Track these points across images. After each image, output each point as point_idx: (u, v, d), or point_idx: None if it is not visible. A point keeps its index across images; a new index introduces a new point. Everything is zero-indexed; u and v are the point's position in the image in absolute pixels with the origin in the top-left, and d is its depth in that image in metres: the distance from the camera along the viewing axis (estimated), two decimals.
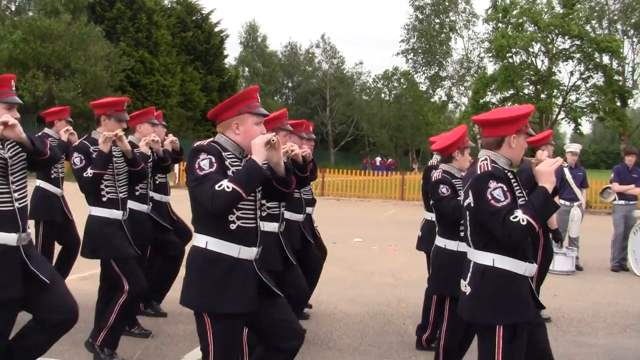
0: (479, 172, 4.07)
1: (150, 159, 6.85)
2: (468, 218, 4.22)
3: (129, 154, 5.94)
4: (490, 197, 3.94)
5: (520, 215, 3.86)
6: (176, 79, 47.42)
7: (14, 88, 4.59)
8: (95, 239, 5.87)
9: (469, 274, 4.17)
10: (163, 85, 45.31)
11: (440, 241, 5.75)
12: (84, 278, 8.88)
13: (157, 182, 7.32)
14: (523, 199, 4.12)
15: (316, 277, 7.39)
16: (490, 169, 4.05)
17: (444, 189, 5.60)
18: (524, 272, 4.08)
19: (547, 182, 4.00)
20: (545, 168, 4.04)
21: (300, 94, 75.18)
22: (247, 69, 75.45)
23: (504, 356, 4.00)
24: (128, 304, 5.88)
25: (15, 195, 4.41)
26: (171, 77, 46.74)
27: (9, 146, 4.43)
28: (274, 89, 75.43)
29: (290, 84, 78.95)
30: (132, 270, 5.92)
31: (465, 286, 4.20)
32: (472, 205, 4.10)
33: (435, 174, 5.77)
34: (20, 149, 4.46)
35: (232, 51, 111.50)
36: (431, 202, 5.85)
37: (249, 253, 4.08)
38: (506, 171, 4.13)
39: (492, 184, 3.97)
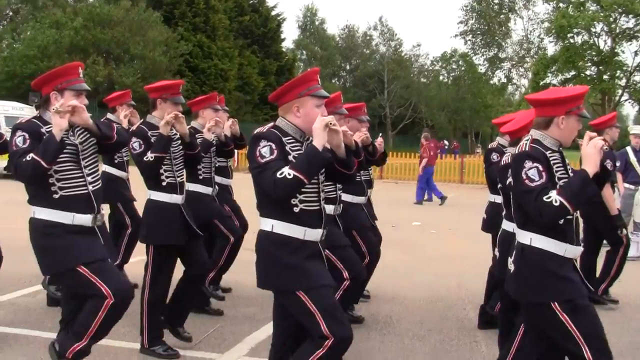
0: (516, 152, 4.11)
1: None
2: (512, 197, 4.27)
3: (186, 137, 5.92)
4: (525, 177, 3.96)
5: (554, 196, 3.84)
6: (234, 63, 47.59)
7: (81, 75, 4.65)
8: (152, 223, 5.91)
9: (514, 252, 4.22)
10: (221, 70, 45.53)
11: (507, 225, 5.62)
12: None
13: (217, 165, 7.32)
14: (565, 180, 4.06)
15: (375, 261, 7.37)
16: (527, 149, 4.05)
17: None
18: (564, 253, 4.04)
19: (590, 165, 3.91)
20: (588, 150, 3.95)
21: (357, 77, 74.95)
22: (304, 52, 75.51)
23: (579, 329, 3.94)
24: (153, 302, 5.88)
25: (89, 178, 4.58)
26: (229, 61, 46.92)
27: (78, 132, 4.55)
28: (331, 72, 75.34)
29: (347, 67, 78.75)
30: (161, 259, 5.91)
31: (510, 264, 4.25)
32: (512, 184, 4.14)
33: (505, 158, 5.64)
34: (89, 135, 4.58)
35: (289, 35, 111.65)
36: (499, 185, 5.74)
37: (314, 235, 4.08)
38: (549, 152, 4.09)
39: (528, 164, 3.97)
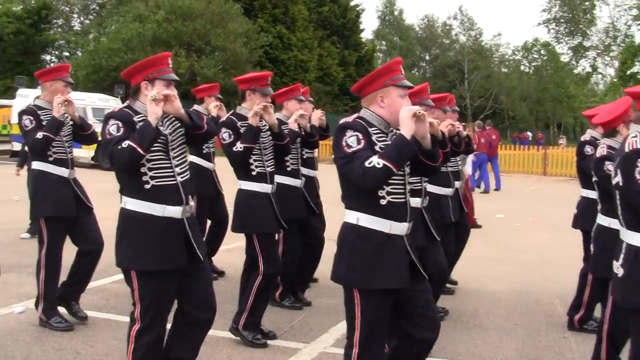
0: (626, 150, 3.79)
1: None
2: (618, 197, 3.94)
3: (275, 128, 5.96)
4: (639, 177, 3.67)
5: None
6: (313, 54, 47.63)
7: (170, 65, 4.66)
8: (244, 213, 5.96)
9: (622, 255, 3.90)
10: (301, 61, 45.61)
11: (603, 220, 5.43)
12: (228, 250, 9.08)
13: (305, 157, 7.31)
14: None
15: (459, 253, 7.31)
16: (639, 146, 3.73)
17: (610, 166, 5.28)
18: None
19: None
20: None
21: (437, 67, 74.23)
22: (383, 42, 75.19)
23: None
24: (264, 287, 5.88)
25: (177, 169, 4.53)
26: (308, 52, 46.95)
27: (167, 122, 4.54)
28: (411, 62, 74.80)
29: (427, 57, 78.12)
30: (270, 250, 5.94)
31: (617, 268, 3.93)
32: (620, 184, 3.82)
33: (600, 150, 5.45)
34: (179, 125, 4.57)
35: (368, 25, 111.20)
36: (594, 179, 5.54)
37: (400, 228, 3.99)
38: None
39: None
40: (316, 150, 7.94)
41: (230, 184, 6.28)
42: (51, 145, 6.20)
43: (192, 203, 4.64)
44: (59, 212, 6.32)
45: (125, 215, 4.50)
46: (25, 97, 25.29)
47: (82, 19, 48.13)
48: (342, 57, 53.24)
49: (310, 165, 7.50)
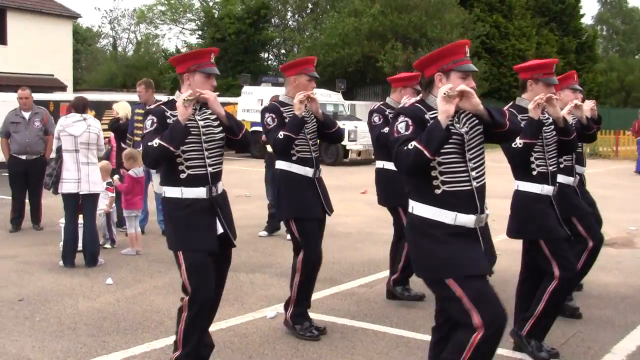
0: None
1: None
2: None
3: (560, 122, 5.34)
4: None
5: None
6: (531, 42, 45.85)
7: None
8: (523, 217, 5.35)
9: None
10: (518, 50, 44.04)
11: None
12: None
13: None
14: None
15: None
16: None
17: None
18: None
19: None
20: None
21: None
22: (604, 27, 71.25)
23: None
24: (559, 292, 5.27)
25: (473, 173, 4.03)
26: (526, 40, 45.30)
27: (464, 119, 4.04)
28: (634, 47, 70.32)
29: None
30: (563, 254, 5.28)
31: None
32: None
33: None
34: (477, 122, 4.06)
35: (589, 10, 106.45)
36: None
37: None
38: None
39: None
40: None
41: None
42: (294, 144, 5.92)
43: (487, 212, 4.10)
44: (305, 214, 5.99)
45: (417, 221, 4.07)
46: (250, 94, 25.97)
47: (296, 16, 49.13)
48: (561, 44, 50.85)
49: (579, 162, 6.71)
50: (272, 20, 46.78)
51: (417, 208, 4.04)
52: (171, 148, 4.58)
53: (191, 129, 4.75)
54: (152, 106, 4.93)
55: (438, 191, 3.97)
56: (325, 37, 37.90)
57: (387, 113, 6.86)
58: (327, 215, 6.22)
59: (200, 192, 4.80)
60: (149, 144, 4.61)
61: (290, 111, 5.98)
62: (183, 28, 53.54)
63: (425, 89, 4.16)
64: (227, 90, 38.02)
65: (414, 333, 6.15)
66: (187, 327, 4.83)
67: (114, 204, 9.66)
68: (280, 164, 6.10)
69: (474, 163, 4.04)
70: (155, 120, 4.73)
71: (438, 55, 4.08)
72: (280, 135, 5.81)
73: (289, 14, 49.24)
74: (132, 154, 9.41)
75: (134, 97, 11.56)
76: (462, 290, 3.86)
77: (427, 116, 4.00)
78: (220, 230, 4.89)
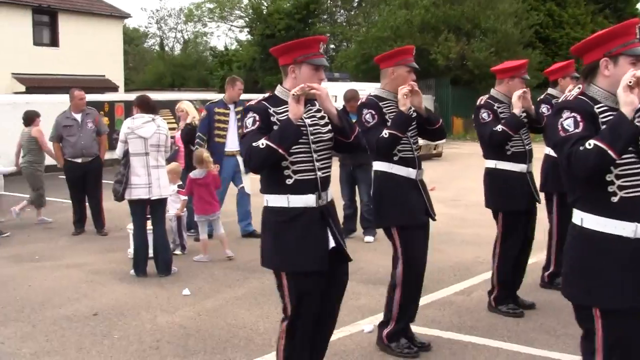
0: None
1: None
2: None
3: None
4: None
5: None
6: (586, 30, 44.44)
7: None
8: None
9: None
10: (573, 39, 42.65)
11: None
12: None
13: None
14: None
15: None
16: None
17: None
18: None
19: None
20: None
21: None
22: None
23: None
24: None
25: None
26: (581, 28, 43.98)
27: None
28: None
29: None
30: None
31: None
32: None
33: None
34: None
35: None
36: None
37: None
38: None
39: None
40: None
41: None
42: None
43: None
44: (409, 221, 5.40)
45: (592, 237, 3.45)
46: None
47: (344, 11, 48.49)
48: None
49: None
50: (321, 15, 46.16)
51: (588, 220, 3.43)
52: (280, 150, 3.99)
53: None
54: (253, 102, 4.35)
55: (615, 198, 3.37)
56: (376, 30, 37.18)
57: (495, 108, 6.27)
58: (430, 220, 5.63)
59: (309, 200, 4.20)
60: (254, 144, 4.00)
61: (390, 106, 5.43)
62: (232, 25, 53.15)
63: (585, 78, 3.54)
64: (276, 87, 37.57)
65: (529, 348, 5.59)
66: (287, 357, 4.29)
67: (185, 208, 9.16)
68: (379, 165, 5.52)
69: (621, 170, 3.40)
70: (257, 118, 4.14)
71: (604, 37, 3.48)
72: (385, 134, 5.25)
73: (338, 8, 48.62)
74: (198, 156, 8.87)
75: (185, 95, 11.07)
76: (602, 327, 3.41)
77: (595, 110, 3.40)
78: (332, 244, 4.31)
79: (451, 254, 8.92)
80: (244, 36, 51.97)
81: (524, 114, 6.16)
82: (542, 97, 7.21)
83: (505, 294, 6.44)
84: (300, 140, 4.14)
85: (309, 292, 4.19)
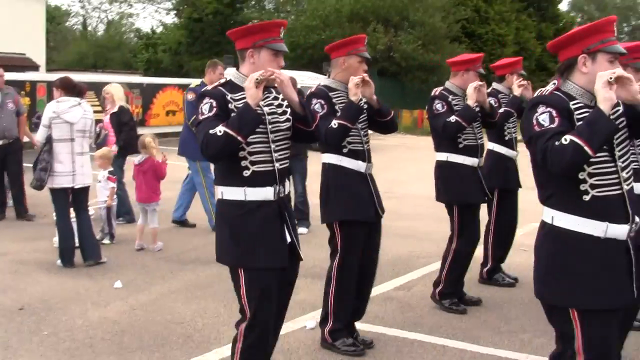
0: None
1: None
2: None
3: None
4: None
5: None
6: (511, 27, 45.31)
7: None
8: None
9: None
10: (498, 35, 43.45)
11: None
12: None
13: None
14: None
15: None
16: None
17: None
18: None
19: None
20: None
21: (638, 39, 69.41)
22: (579, 14, 71.28)
23: None
24: None
25: (623, 174, 3.41)
26: (506, 25, 44.71)
27: None
28: None
29: (626, 29, 73.30)
30: None
31: None
32: None
33: None
34: (620, 113, 3.49)
35: None
36: None
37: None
38: None
39: None
40: None
41: None
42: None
43: (638, 220, 3.42)
44: (356, 216, 5.25)
45: (557, 234, 3.43)
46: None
47: None
48: (538, 30, 50.42)
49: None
50: (250, 1, 45.64)
51: (559, 218, 3.38)
52: (239, 137, 3.79)
53: None
54: (209, 87, 4.12)
55: (587, 197, 3.33)
56: (305, 18, 37.00)
57: (450, 100, 6.19)
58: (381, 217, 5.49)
59: (267, 193, 4.01)
60: (211, 132, 3.79)
61: (340, 96, 5.27)
62: (159, 7, 52.14)
63: (562, 74, 3.49)
64: (202, 72, 37.01)
65: (475, 346, 5.55)
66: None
67: (115, 196, 8.78)
68: (328, 158, 5.35)
69: (623, 162, 3.44)
70: (214, 104, 3.92)
71: (582, 33, 3.46)
72: (334, 124, 5.08)
73: None
74: (141, 141, 8.54)
75: (109, 77, 10.63)
76: (580, 327, 3.35)
77: (570, 106, 3.38)
78: (288, 239, 4.12)
79: (388, 248, 8.78)
80: (171, 19, 51.07)
81: (478, 108, 6.09)
82: (488, 90, 7.17)
83: (452, 291, 6.37)
84: (258, 130, 3.95)
85: (268, 289, 4.01)
